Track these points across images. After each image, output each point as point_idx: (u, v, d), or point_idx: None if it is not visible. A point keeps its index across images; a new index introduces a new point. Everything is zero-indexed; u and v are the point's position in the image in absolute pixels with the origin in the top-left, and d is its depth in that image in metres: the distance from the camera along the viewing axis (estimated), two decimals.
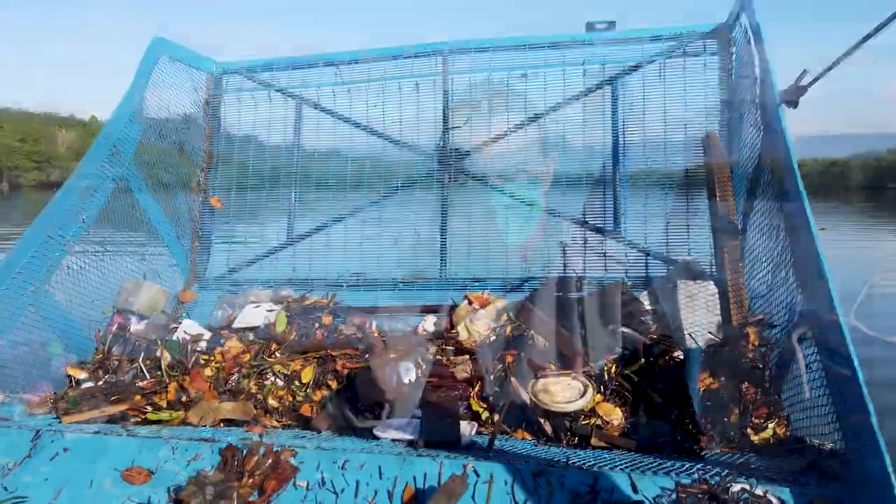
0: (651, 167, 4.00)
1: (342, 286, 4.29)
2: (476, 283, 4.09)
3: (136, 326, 3.22)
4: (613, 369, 2.61)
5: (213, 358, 2.88)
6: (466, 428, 2.64)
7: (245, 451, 2.20)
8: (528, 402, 2.52)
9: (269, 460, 2.12)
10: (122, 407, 2.81)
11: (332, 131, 4.55)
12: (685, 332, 3.38)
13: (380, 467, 2.11)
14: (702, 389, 2.37)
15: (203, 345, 3.05)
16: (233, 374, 2.80)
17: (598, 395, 2.51)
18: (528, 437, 2.65)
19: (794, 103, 2.87)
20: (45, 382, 3.07)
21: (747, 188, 3.24)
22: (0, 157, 63.47)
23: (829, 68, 2.57)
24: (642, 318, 3.46)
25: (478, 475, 2.03)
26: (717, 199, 3.43)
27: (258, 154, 4.68)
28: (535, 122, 4.17)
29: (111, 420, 2.79)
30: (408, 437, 2.51)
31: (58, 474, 2.24)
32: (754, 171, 3.15)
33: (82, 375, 3.12)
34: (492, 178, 4.25)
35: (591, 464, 2.13)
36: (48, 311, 3.14)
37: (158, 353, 2.88)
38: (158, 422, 2.73)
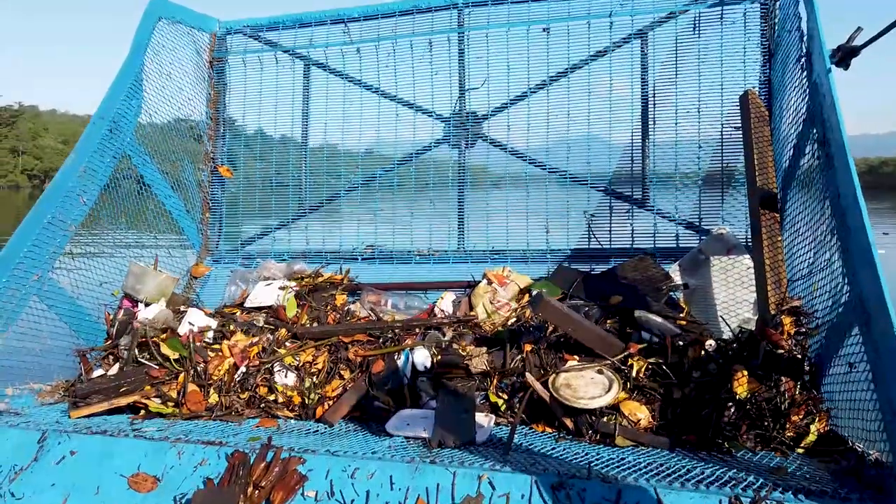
0: (683, 129, 3.74)
1: (357, 259, 4.19)
2: (495, 256, 3.95)
3: (143, 314, 3.16)
4: (639, 362, 2.47)
5: (220, 350, 2.80)
6: (484, 420, 2.55)
7: (252, 458, 2.14)
8: (546, 398, 2.40)
9: (277, 468, 2.06)
10: (130, 398, 2.78)
11: (342, 94, 4.35)
12: (717, 313, 3.23)
13: (391, 477, 2.03)
14: (736, 387, 2.22)
15: (210, 335, 2.98)
16: (240, 368, 2.73)
17: (622, 393, 2.39)
18: (549, 429, 2.56)
19: (845, 64, 2.61)
20: (55, 370, 3.06)
21: (790, 156, 3.01)
22: (43, 159, 65.18)
23: (889, 28, 2.30)
24: (671, 293, 3.30)
25: (493, 488, 1.95)
26: (755, 165, 3.20)
27: (266, 120, 4.51)
28: (559, 82, 3.92)
29: (120, 411, 2.78)
30: (421, 434, 2.43)
31: (64, 479, 2.22)
32: (798, 138, 2.90)
33: (92, 363, 3.10)
34: (511, 143, 4.04)
35: (614, 472, 2.03)
36: (54, 299, 3.09)
37: (163, 350, 2.82)
38: (160, 415, 2.70)
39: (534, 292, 3.20)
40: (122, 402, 2.76)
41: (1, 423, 2.51)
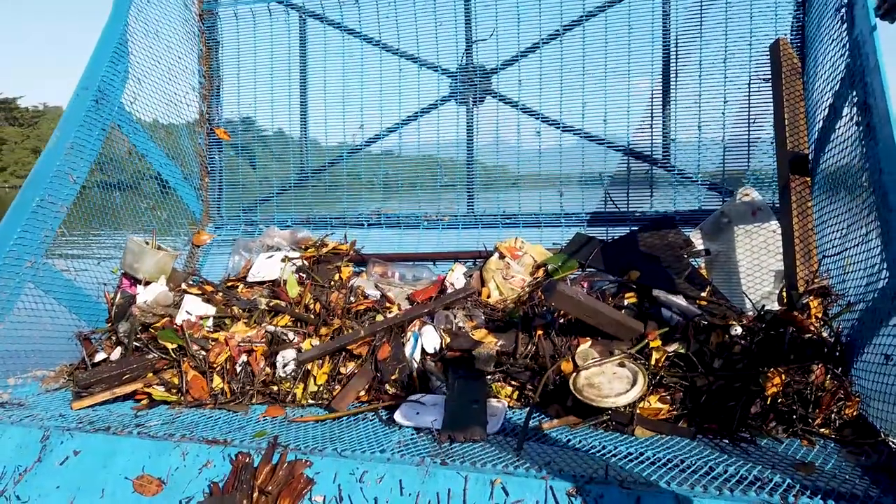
0: (708, 81, 3.51)
1: (363, 224, 4.07)
2: (507, 221, 3.81)
3: (141, 297, 3.08)
4: (659, 352, 2.36)
5: (219, 341, 2.71)
6: (496, 407, 2.49)
7: (257, 459, 2.10)
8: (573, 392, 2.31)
9: (283, 471, 2.02)
10: (133, 387, 2.75)
11: (341, 49, 4.12)
12: (740, 282, 3.11)
13: (400, 481, 1.98)
14: (766, 385, 2.12)
15: (210, 322, 2.89)
16: (237, 361, 2.65)
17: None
18: (564, 414, 2.49)
19: (891, 17, 2.37)
20: (58, 355, 3.03)
21: (824, 116, 2.80)
22: None
23: None
24: (693, 260, 3.17)
25: (507, 493, 1.89)
26: (786, 122, 3.00)
27: (262, 77, 4.30)
28: (573, 32, 3.67)
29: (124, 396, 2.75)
30: (431, 425, 2.38)
31: (69, 481, 2.20)
32: (834, 98, 2.69)
33: (96, 346, 3.07)
34: (522, 100, 3.83)
35: (633, 469, 1.97)
36: (51, 283, 3.02)
37: (160, 341, 2.75)
38: (164, 402, 2.67)
39: (549, 266, 3.09)
40: (125, 390, 2.73)
41: (3, 419, 2.48)
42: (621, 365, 2.30)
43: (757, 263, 3.15)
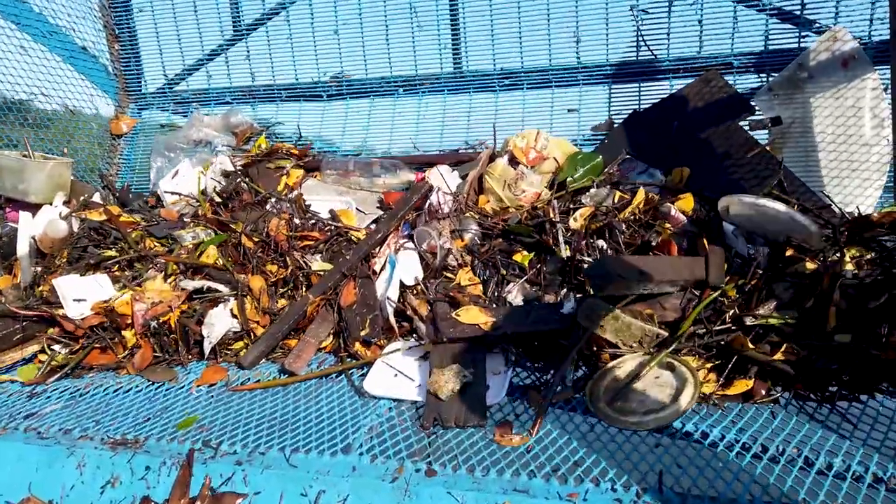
0: None
1: (321, 96, 3.34)
2: (505, 81, 3.07)
3: (25, 229, 2.42)
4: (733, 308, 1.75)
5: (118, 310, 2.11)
6: (498, 364, 1.98)
7: (173, 477, 1.62)
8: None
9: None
10: (28, 350, 2.25)
11: None
12: (820, 166, 2.46)
13: None
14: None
15: (113, 291, 2.21)
16: (151, 323, 2.08)
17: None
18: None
19: None
20: None
21: None
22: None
23: None
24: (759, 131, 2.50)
25: None
26: None
27: None
28: None
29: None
30: (413, 396, 1.89)
31: None
32: None
33: None
34: None
35: (700, 467, 1.48)
36: None
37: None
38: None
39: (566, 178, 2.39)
40: (15, 357, 2.23)
41: None
42: (669, 367, 1.71)
43: (848, 138, 2.47)
